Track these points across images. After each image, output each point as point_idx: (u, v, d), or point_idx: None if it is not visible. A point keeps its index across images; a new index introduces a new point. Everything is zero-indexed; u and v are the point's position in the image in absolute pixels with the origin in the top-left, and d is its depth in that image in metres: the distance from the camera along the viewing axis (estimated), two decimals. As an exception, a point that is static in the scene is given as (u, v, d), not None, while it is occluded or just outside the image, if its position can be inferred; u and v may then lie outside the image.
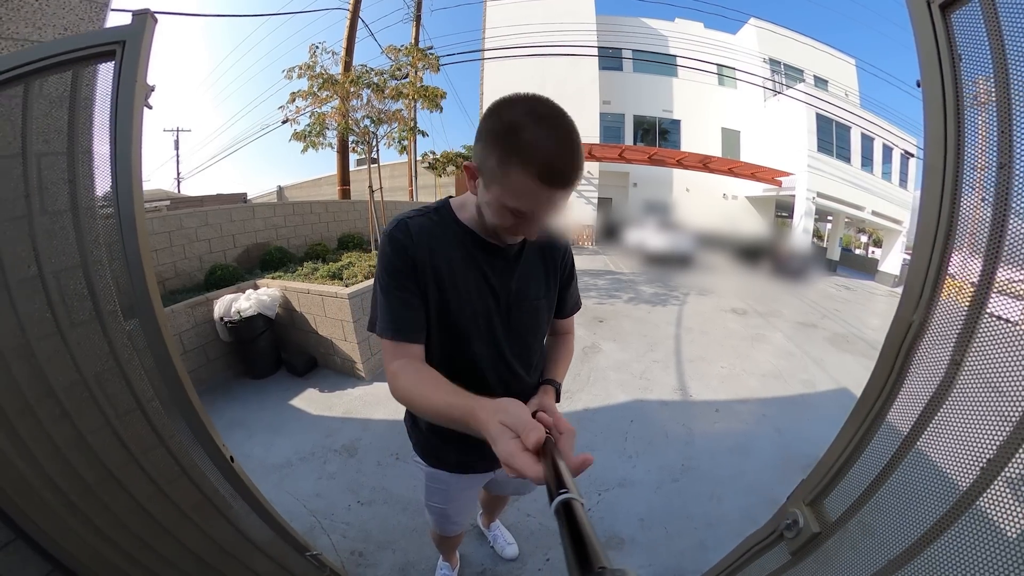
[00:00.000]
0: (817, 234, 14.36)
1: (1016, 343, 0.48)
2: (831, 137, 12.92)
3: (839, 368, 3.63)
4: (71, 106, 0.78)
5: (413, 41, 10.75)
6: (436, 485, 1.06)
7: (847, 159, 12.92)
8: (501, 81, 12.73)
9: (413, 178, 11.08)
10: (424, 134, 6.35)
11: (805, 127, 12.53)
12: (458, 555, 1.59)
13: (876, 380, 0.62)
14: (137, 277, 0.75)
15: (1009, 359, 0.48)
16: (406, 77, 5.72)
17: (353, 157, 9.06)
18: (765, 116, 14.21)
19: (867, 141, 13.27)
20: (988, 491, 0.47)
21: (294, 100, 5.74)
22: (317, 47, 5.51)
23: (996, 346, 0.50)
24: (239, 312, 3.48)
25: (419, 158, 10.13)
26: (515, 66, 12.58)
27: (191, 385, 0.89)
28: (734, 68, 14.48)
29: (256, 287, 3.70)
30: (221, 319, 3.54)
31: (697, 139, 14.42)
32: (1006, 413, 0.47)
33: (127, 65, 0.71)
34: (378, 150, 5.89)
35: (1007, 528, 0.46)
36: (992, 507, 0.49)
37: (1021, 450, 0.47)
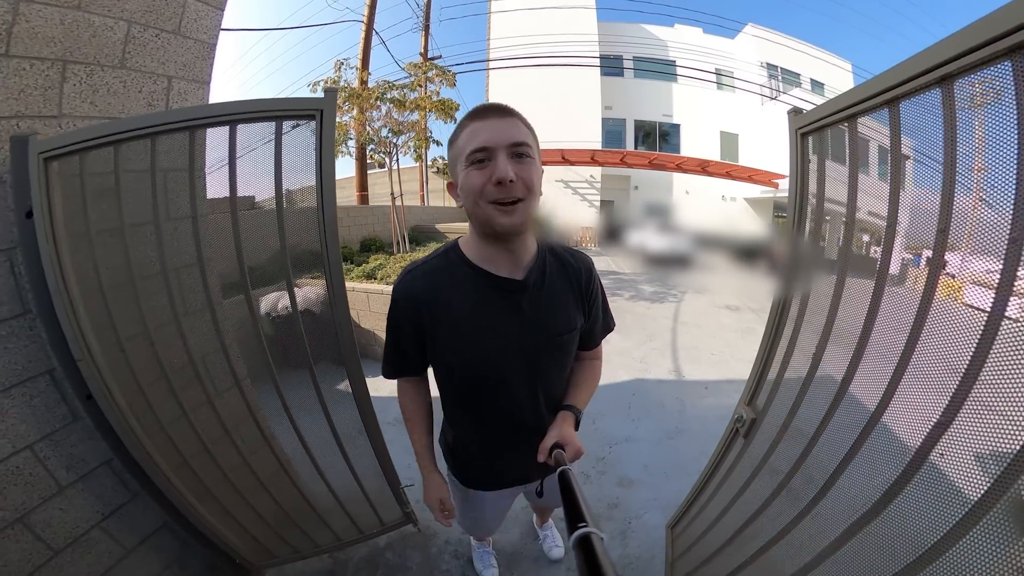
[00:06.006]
0: (815, 234, 14.62)
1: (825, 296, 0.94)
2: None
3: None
4: (276, 144, 0.93)
5: (423, 51, 11.24)
6: (469, 501, 1.11)
7: (842, 161, 13.29)
8: (506, 90, 13.20)
9: (424, 183, 11.57)
10: (439, 143, 6.84)
11: (801, 131, 12.94)
12: (490, 537, 1.69)
13: (766, 337, 1.08)
14: (335, 273, 1.08)
15: (820, 305, 0.94)
16: (416, 89, 6.18)
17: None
18: (763, 119, 14.63)
19: (862, 143, 13.68)
20: (818, 375, 0.93)
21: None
22: (343, 63, 6.00)
23: (819, 303, 0.96)
24: (286, 308, 3.95)
25: (428, 163, 10.62)
26: (519, 75, 13.06)
27: (357, 352, 1.24)
28: (732, 73, 14.92)
29: (298, 286, 4.16)
30: (267, 314, 4.01)
31: (696, 142, 14.83)
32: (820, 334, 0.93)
33: (327, 123, 0.91)
34: (397, 159, 6.36)
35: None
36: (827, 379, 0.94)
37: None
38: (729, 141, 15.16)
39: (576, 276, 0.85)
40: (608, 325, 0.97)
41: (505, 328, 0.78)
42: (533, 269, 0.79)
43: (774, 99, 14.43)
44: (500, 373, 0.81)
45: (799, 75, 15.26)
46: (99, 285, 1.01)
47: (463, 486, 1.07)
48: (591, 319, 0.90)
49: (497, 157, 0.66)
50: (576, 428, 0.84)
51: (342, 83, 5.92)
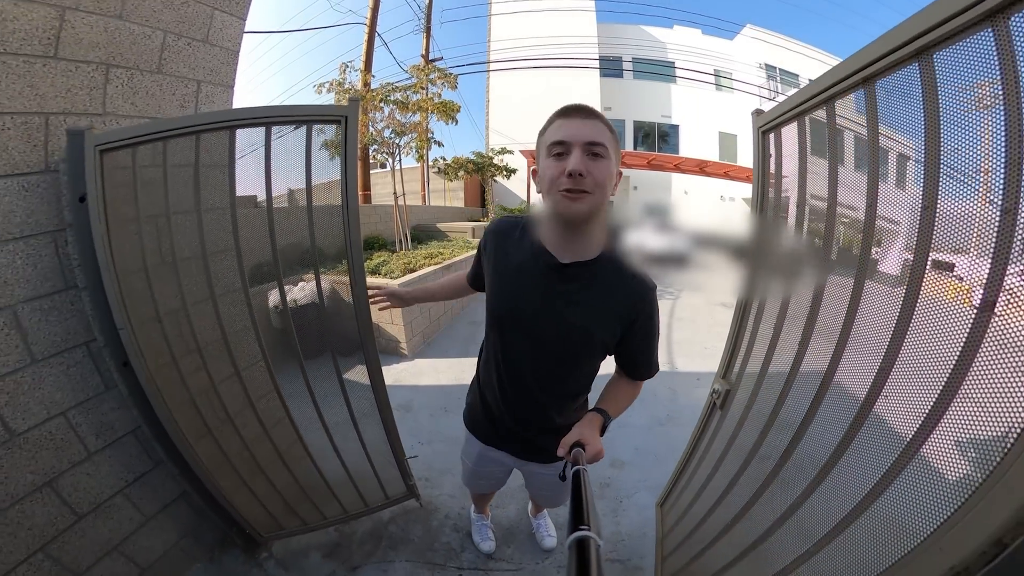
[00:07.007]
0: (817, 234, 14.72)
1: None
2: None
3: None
4: (307, 144, 1.06)
5: (424, 53, 11.37)
6: (467, 443, 1.25)
7: (841, 161, 13.38)
8: (507, 91, 13.33)
9: (425, 183, 11.69)
10: (440, 144, 6.96)
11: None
12: (489, 510, 1.81)
13: (736, 317, 1.20)
14: (357, 260, 1.16)
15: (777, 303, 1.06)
16: (419, 91, 6.30)
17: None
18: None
19: (860, 143, 13.78)
20: (778, 350, 1.05)
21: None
22: (347, 65, 6.12)
23: (775, 298, 1.08)
24: (295, 301, 4.06)
25: (430, 164, 10.74)
26: (520, 77, 13.19)
27: (373, 332, 1.33)
28: (731, 74, 15.03)
29: (304, 280, 4.28)
30: (275, 308, 4.12)
31: (695, 143, 14.92)
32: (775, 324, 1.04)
33: (351, 127, 1.03)
34: (400, 159, 6.48)
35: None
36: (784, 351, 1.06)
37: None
38: (728, 142, 15.25)
39: (627, 294, 0.87)
40: (650, 363, 0.96)
41: (529, 298, 0.87)
42: (581, 263, 0.84)
43: (772, 100, 14.53)
44: (512, 330, 0.91)
45: (797, 76, 15.35)
46: (143, 264, 1.13)
47: (466, 428, 1.21)
48: (627, 343, 0.91)
49: (573, 152, 0.74)
50: (602, 433, 0.85)
51: (347, 85, 6.03)
